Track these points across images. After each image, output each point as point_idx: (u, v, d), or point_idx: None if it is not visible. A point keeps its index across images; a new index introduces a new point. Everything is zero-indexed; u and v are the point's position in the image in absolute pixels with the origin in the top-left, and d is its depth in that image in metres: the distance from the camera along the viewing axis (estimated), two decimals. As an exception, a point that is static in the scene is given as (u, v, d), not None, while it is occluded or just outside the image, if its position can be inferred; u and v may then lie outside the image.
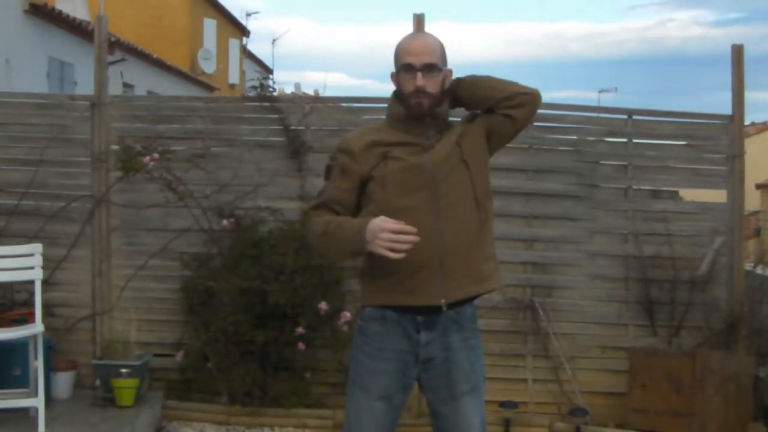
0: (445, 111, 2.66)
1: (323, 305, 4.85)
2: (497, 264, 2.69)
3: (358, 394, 2.64)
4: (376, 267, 2.57)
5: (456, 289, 2.55)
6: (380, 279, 2.58)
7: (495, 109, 2.61)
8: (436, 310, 2.56)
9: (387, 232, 2.40)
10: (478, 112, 2.68)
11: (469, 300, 2.62)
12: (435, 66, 2.58)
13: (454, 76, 2.68)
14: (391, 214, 2.46)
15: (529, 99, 2.61)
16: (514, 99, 2.59)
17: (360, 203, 2.64)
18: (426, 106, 2.57)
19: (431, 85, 2.57)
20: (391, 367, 2.60)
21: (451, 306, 2.56)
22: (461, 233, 2.54)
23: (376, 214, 2.48)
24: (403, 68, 2.58)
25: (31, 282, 4.55)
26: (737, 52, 5.32)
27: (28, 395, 4.41)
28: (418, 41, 2.69)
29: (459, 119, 2.73)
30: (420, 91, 2.55)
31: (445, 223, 2.52)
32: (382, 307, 2.60)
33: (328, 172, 2.68)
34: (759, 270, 5.69)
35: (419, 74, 2.55)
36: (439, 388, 2.61)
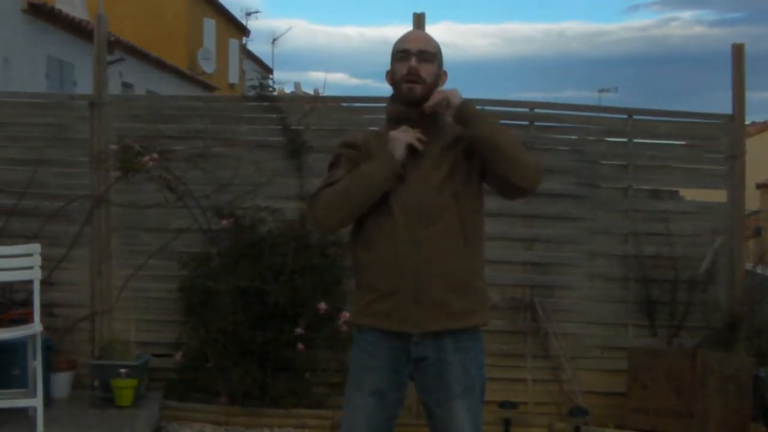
0: (444, 123, 2.63)
1: (323, 305, 4.85)
2: (484, 299, 2.66)
3: (352, 390, 2.66)
4: (359, 285, 2.66)
5: (429, 322, 2.54)
6: (362, 298, 2.64)
7: (495, 171, 2.54)
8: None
9: (401, 135, 2.52)
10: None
11: (445, 333, 2.58)
12: (430, 54, 2.59)
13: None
14: (372, 236, 2.57)
15: (523, 192, 2.58)
16: (523, 194, 2.58)
17: None
18: (418, 92, 2.56)
19: (425, 70, 2.57)
20: (384, 364, 2.61)
21: (425, 335, 2.55)
22: (441, 268, 2.53)
23: (363, 229, 2.59)
24: (399, 54, 2.60)
25: (30, 282, 4.54)
26: (737, 51, 5.31)
27: (26, 395, 4.40)
28: (416, 32, 2.76)
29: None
30: (413, 74, 2.55)
31: (426, 255, 2.52)
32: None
33: (334, 162, 2.68)
34: (759, 270, 5.69)
35: (414, 58, 2.56)
36: (433, 388, 2.61)
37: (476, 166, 2.60)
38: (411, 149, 2.55)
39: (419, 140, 2.55)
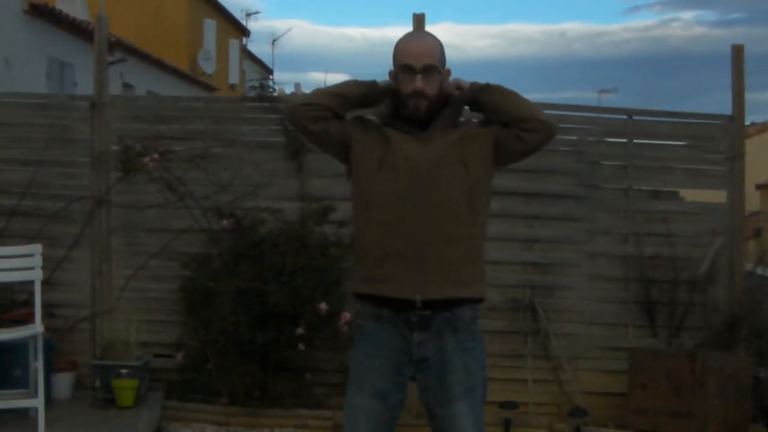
0: (451, 113, 2.65)
1: (323, 306, 4.85)
2: (483, 272, 2.66)
3: (354, 391, 2.65)
4: (359, 249, 2.65)
5: (432, 288, 2.52)
6: (362, 266, 2.62)
7: (509, 125, 2.60)
8: (416, 306, 2.53)
9: None
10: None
11: (450, 303, 2.57)
12: (434, 68, 2.58)
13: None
14: (378, 196, 2.55)
15: (543, 128, 2.60)
16: (530, 122, 2.58)
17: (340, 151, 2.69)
18: (423, 108, 2.58)
19: (429, 86, 2.57)
20: (386, 365, 2.60)
21: (427, 305, 2.53)
22: (445, 231, 2.53)
23: (363, 191, 2.59)
24: (402, 69, 2.59)
25: (31, 282, 4.54)
26: (737, 52, 5.32)
27: (28, 396, 4.41)
28: (418, 42, 2.67)
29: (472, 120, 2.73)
30: (418, 94, 2.56)
31: (430, 218, 2.52)
32: (374, 305, 2.62)
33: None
34: (759, 270, 5.69)
35: (418, 76, 2.55)
36: (434, 389, 2.60)
37: (489, 144, 2.62)
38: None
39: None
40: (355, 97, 2.66)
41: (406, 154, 2.55)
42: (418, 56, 2.58)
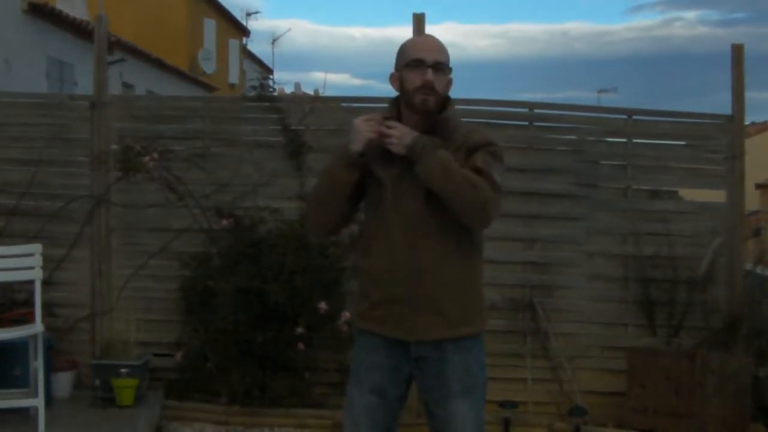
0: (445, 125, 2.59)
1: (323, 305, 4.85)
2: (479, 306, 2.65)
3: (353, 387, 2.67)
4: (359, 290, 2.69)
5: (425, 330, 2.55)
6: (361, 303, 2.67)
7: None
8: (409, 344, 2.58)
9: (364, 122, 2.53)
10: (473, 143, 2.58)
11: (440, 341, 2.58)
12: (445, 66, 2.56)
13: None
14: (371, 239, 2.58)
15: (472, 227, 2.56)
16: (463, 216, 2.52)
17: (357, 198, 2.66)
18: (431, 104, 2.53)
19: (439, 83, 2.53)
20: (384, 362, 2.61)
21: (420, 344, 2.56)
22: (438, 276, 2.52)
23: (361, 233, 2.63)
24: (413, 63, 2.53)
25: (31, 282, 4.55)
26: (737, 51, 5.32)
27: (27, 395, 4.42)
28: (430, 39, 2.63)
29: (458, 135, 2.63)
30: (428, 87, 2.51)
31: (422, 262, 2.51)
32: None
33: None
34: (758, 270, 5.69)
35: (429, 70, 2.51)
36: (433, 388, 2.61)
37: None
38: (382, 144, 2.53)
39: (387, 128, 2.52)
40: (343, 189, 2.57)
41: (399, 198, 2.52)
42: (430, 50, 2.54)
